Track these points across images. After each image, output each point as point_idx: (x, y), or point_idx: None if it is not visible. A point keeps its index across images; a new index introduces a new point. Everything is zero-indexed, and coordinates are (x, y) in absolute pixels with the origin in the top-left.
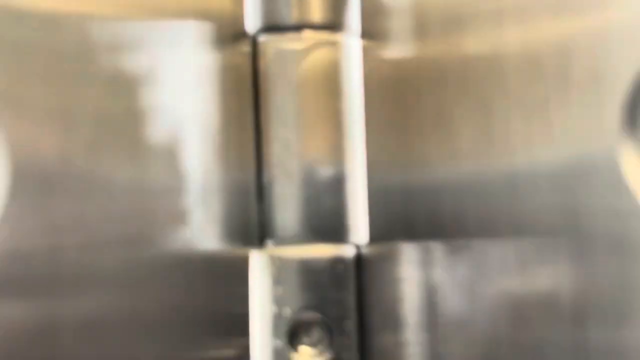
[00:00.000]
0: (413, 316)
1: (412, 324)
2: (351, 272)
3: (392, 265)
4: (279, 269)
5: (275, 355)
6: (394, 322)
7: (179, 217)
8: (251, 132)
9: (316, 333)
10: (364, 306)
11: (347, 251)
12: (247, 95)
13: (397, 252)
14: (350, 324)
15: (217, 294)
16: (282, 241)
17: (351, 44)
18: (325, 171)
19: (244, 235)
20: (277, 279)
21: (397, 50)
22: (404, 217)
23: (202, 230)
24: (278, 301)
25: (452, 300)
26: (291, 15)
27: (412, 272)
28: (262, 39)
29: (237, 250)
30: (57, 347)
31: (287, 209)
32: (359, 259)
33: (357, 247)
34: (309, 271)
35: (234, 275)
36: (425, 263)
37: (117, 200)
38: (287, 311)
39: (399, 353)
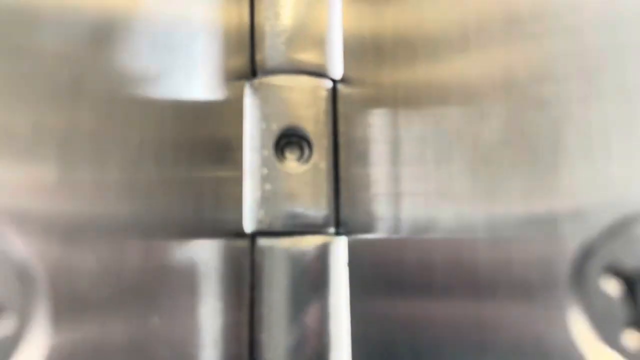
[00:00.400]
0: (378, 156)
1: (377, 162)
2: (329, 100)
3: (363, 108)
4: (267, 92)
5: (263, 162)
6: (363, 157)
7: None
8: None
9: (297, 146)
10: (339, 131)
11: (324, 83)
12: None
13: (368, 95)
14: (327, 141)
15: (217, 119)
16: (271, 72)
17: None
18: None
19: (240, 71)
20: (266, 100)
21: None
22: (374, 51)
23: (209, 69)
24: (266, 118)
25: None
26: None
27: (377, 121)
28: None
29: (234, 83)
30: None
31: (274, 47)
32: (335, 92)
33: (334, 80)
34: (292, 94)
35: (232, 103)
36: (390, 114)
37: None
38: (274, 126)
39: (367, 180)
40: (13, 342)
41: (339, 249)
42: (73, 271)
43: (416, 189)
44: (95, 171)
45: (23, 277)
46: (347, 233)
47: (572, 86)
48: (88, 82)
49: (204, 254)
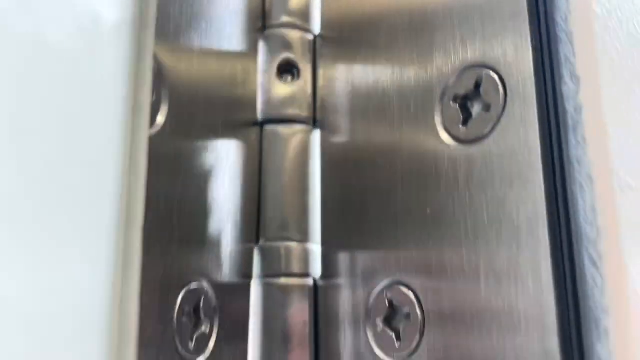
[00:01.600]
0: None
1: None
2: (311, 42)
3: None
4: (271, 39)
5: (270, 79)
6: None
7: None
8: None
9: (290, 71)
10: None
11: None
12: None
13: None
14: (311, 66)
15: (242, 57)
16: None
17: None
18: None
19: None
20: (270, 43)
21: None
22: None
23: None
24: (270, 54)
25: None
26: None
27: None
28: None
29: (252, 34)
30: None
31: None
32: (315, 44)
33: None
34: (287, 38)
35: (251, 48)
36: None
37: None
38: (276, 59)
39: None
40: None
41: (315, 137)
42: None
43: None
44: None
45: None
46: (321, 128)
47: None
48: None
49: (234, 140)
